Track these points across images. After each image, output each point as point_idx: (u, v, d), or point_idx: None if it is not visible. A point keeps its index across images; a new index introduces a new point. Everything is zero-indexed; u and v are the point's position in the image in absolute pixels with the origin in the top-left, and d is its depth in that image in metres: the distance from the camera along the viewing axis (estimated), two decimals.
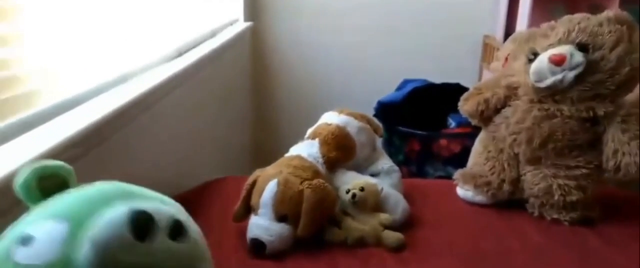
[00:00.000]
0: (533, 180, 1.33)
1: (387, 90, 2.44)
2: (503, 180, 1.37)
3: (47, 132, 0.90)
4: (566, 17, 1.31)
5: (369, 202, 1.22)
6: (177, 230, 0.55)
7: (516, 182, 1.37)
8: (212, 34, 2.05)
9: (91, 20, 1.14)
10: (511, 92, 1.36)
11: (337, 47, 2.74)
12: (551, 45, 1.26)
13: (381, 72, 2.71)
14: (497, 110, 1.38)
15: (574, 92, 1.24)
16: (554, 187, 1.29)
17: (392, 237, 1.17)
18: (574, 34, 1.25)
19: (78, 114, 1.01)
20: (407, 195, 1.34)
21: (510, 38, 1.49)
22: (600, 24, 1.24)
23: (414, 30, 2.70)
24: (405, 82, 2.46)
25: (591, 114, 1.25)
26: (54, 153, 0.84)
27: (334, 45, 2.74)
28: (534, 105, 1.30)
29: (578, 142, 1.27)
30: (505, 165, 1.37)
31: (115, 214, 0.51)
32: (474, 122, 1.44)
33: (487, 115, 1.39)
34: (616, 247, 1.19)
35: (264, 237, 1.11)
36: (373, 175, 1.38)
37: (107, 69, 1.20)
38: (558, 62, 1.21)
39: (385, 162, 1.42)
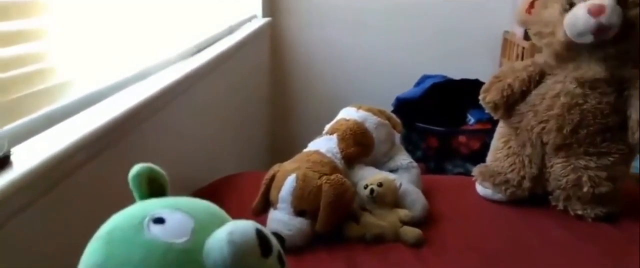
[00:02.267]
0: (562, 172, 1.30)
1: (406, 86, 2.43)
2: (523, 177, 1.35)
3: (68, 127, 0.91)
4: None
5: (388, 198, 1.22)
6: (281, 258, 0.67)
7: (537, 179, 1.35)
8: (231, 30, 2.06)
9: (112, 17, 1.15)
10: (538, 65, 1.32)
11: (356, 42, 2.73)
12: None
13: (400, 68, 2.69)
14: (523, 95, 1.33)
15: (609, 49, 1.21)
16: (584, 178, 1.27)
17: (411, 233, 1.17)
18: None
19: (99, 109, 1.02)
20: (426, 191, 1.34)
21: None
22: None
23: (434, 26, 2.68)
24: (425, 77, 2.44)
25: (620, 75, 1.23)
26: (75, 149, 0.85)
27: (353, 40, 2.73)
28: (562, 91, 1.26)
29: (610, 125, 1.25)
30: (526, 162, 1.35)
31: (246, 226, 0.61)
32: (497, 115, 1.39)
33: (513, 100, 1.34)
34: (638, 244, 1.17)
35: (284, 231, 1.11)
36: (392, 171, 1.38)
37: (127, 66, 1.21)
38: (597, 12, 1.16)
39: (404, 158, 1.42)
